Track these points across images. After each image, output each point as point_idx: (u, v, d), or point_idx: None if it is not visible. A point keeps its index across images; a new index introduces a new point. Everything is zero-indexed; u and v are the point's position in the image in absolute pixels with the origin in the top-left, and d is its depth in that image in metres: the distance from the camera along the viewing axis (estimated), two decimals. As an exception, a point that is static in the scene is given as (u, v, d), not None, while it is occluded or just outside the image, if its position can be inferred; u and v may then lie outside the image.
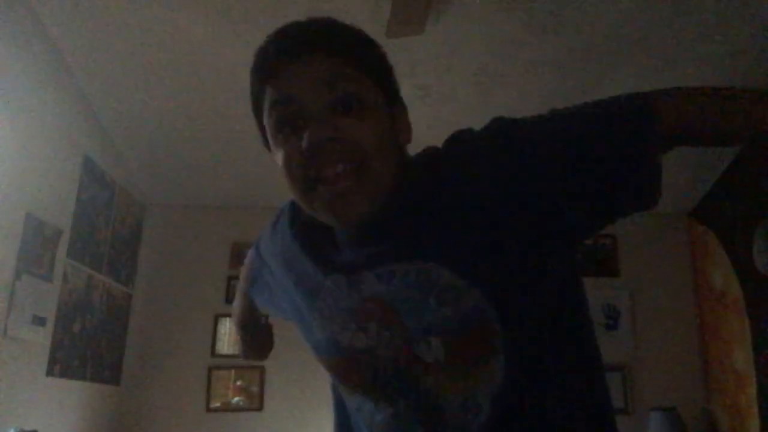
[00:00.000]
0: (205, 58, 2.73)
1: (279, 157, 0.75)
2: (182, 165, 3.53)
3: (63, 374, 2.81)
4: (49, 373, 2.69)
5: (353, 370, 0.80)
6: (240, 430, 3.53)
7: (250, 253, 1.07)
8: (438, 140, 0.81)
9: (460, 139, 0.80)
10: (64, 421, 2.86)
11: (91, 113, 3.02)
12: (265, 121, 0.76)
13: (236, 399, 3.58)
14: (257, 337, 1.18)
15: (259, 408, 3.56)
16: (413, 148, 0.83)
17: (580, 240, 0.81)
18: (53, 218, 2.70)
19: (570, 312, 0.79)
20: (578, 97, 0.78)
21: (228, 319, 3.67)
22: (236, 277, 4.09)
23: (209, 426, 3.52)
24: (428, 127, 3.21)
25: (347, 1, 2.39)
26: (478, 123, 0.79)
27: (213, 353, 3.63)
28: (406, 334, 0.74)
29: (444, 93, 2.93)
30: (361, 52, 0.77)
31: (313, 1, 2.41)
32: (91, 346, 3.10)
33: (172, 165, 3.54)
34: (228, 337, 3.66)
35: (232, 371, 3.61)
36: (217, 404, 3.56)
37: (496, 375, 0.71)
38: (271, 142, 0.77)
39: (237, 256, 3.79)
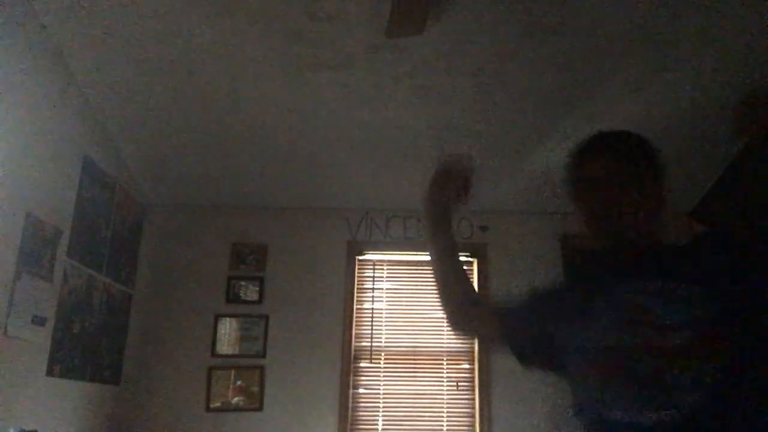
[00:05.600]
0: (205, 58, 2.73)
1: (583, 205, 1.23)
2: (182, 165, 3.53)
3: (63, 374, 2.81)
4: (49, 373, 2.69)
5: None
6: (240, 430, 3.53)
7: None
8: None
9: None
10: (64, 421, 2.86)
11: (91, 113, 3.02)
12: (575, 184, 1.25)
13: (236, 399, 3.58)
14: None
15: (259, 408, 3.56)
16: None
17: None
18: (53, 218, 2.70)
19: None
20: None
21: (228, 318, 3.68)
22: (236, 277, 4.09)
23: (209, 426, 3.52)
24: (428, 127, 3.21)
25: (347, 1, 2.39)
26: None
27: (213, 353, 3.63)
28: None
29: (444, 93, 2.92)
30: (636, 155, 1.22)
31: (313, 1, 2.41)
32: (91, 346, 3.11)
33: (172, 165, 3.54)
34: (228, 337, 3.67)
35: (232, 371, 3.61)
36: (217, 404, 3.56)
37: None
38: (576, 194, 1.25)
39: (237, 256, 3.79)
